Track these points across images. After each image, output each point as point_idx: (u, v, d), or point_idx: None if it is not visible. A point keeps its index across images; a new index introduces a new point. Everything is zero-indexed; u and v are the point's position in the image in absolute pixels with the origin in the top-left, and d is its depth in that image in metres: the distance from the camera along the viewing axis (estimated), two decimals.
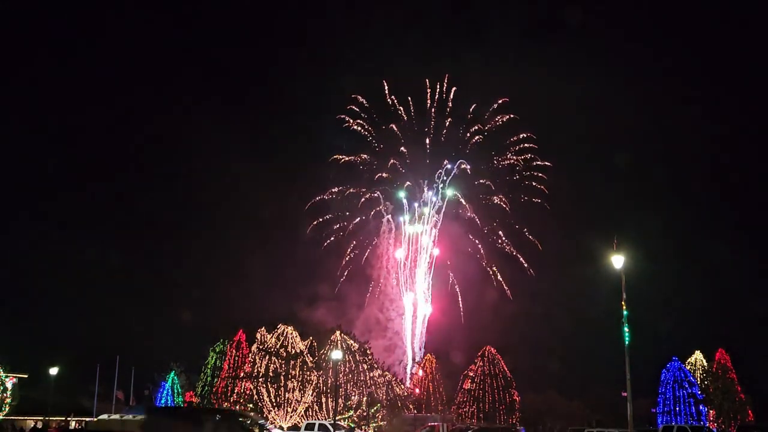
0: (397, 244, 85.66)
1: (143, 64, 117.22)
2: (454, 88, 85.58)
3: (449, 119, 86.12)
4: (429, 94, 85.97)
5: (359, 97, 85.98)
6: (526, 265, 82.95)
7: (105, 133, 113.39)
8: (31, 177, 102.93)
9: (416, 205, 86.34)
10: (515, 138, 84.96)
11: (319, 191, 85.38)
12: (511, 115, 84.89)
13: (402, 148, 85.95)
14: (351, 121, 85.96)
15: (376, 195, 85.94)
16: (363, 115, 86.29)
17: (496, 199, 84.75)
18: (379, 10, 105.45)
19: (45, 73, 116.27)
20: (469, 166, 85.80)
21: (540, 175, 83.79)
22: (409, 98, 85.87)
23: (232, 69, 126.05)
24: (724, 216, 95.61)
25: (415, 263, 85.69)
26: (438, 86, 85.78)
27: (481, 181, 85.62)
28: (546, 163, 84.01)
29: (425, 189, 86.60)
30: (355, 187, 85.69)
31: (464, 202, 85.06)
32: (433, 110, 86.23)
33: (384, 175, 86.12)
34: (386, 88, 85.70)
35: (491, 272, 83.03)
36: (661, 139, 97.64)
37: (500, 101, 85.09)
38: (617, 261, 29.30)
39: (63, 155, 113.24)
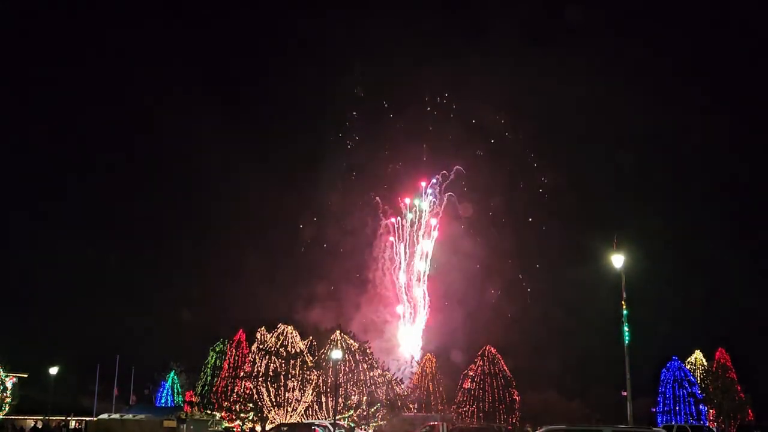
0: (395, 246, 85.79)
1: (144, 65, 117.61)
2: (454, 105, 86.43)
3: (448, 126, 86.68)
4: (428, 98, 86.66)
5: (357, 103, 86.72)
6: (525, 266, 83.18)
7: (105, 133, 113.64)
8: (31, 177, 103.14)
9: (415, 208, 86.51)
10: (515, 147, 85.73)
11: (319, 193, 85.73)
12: (509, 133, 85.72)
13: (400, 154, 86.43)
14: (350, 123, 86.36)
15: (375, 199, 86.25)
16: (362, 116, 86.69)
17: (495, 201, 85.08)
18: (378, 14, 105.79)
19: (46, 74, 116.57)
20: (467, 171, 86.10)
21: (540, 190, 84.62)
22: (408, 105, 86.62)
23: (233, 70, 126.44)
24: (723, 216, 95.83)
25: (413, 265, 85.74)
26: (437, 94, 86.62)
27: (480, 184, 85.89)
28: (544, 178, 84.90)
29: (423, 192, 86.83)
30: (353, 190, 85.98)
31: (463, 205, 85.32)
32: (431, 115, 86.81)
33: (382, 178, 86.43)
34: (384, 96, 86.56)
35: (490, 276, 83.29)
36: (662, 139, 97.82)
37: (501, 120, 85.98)
38: (617, 261, 29.25)
39: (63, 156, 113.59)
